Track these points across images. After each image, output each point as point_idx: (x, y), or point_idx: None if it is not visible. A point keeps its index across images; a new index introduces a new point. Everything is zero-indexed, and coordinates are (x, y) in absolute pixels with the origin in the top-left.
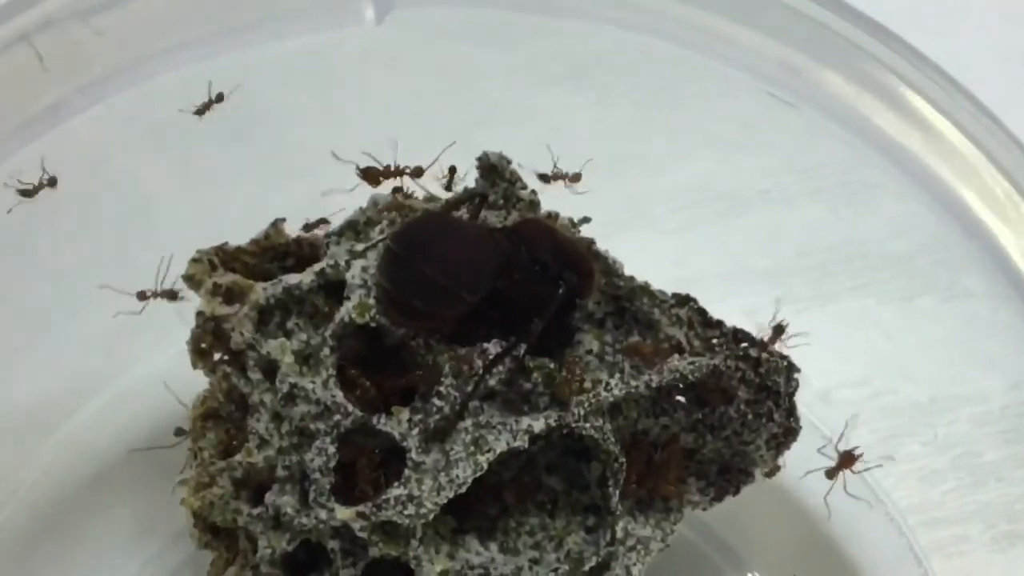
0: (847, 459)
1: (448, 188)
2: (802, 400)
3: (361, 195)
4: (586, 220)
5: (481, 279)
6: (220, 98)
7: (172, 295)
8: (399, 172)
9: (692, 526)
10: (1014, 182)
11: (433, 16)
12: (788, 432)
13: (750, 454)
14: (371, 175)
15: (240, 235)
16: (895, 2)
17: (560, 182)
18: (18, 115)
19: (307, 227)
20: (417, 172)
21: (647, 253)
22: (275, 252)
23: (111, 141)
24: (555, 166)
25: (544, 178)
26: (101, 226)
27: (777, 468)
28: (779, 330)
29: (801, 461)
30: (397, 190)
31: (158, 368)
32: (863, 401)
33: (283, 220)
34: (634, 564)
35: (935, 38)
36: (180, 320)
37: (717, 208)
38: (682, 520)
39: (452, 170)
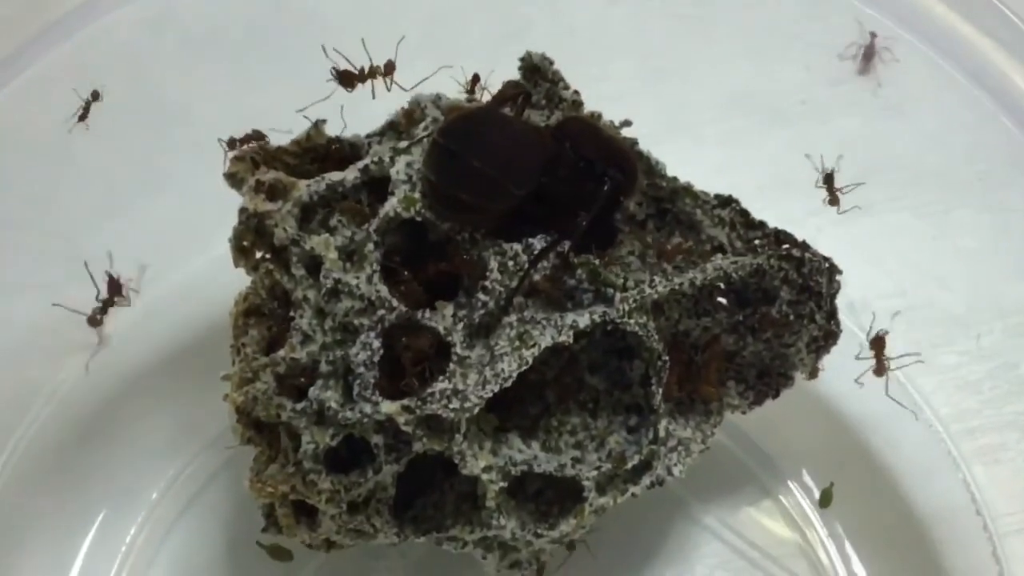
0: (878, 344)
1: (471, 94)
2: (840, 308)
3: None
4: (627, 123)
5: (528, 173)
6: (96, 96)
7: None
8: (373, 73)
9: (731, 434)
10: None
11: None
12: (828, 335)
13: (790, 357)
14: (346, 77)
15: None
16: None
17: None
18: (48, 14)
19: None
20: (389, 68)
21: (686, 164)
22: (316, 153)
23: (143, 42)
24: None
25: None
26: (137, 131)
27: (817, 371)
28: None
29: (839, 369)
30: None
31: (195, 272)
32: (901, 311)
33: (324, 121)
34: (675, 464)
35: None
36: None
37: (755, 120)
38: (721, 424)
39: (475, 78)
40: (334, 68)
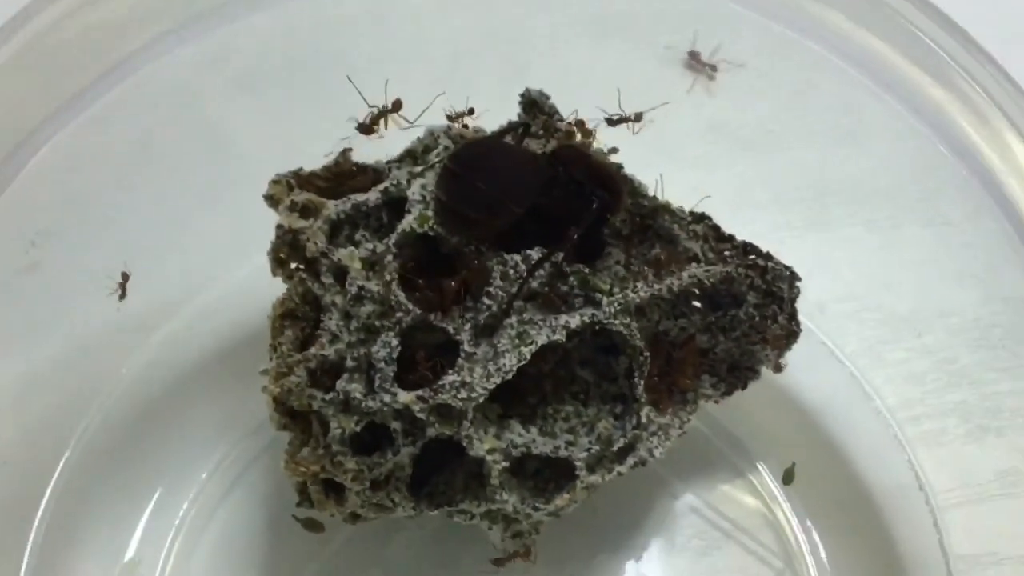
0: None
1: (452, 121)
2: (800, 311)
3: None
4: (615, 150)
5: (526, 193)
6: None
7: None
8: (385, 113)
9: (705, 421)
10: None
11: None
12: (790, 334)
13: (756, 353)
14: (366, 128)
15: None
16: None
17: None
18: (106, 59)
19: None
20: (396, 105)
21: (666, 185)
22: (344, 176)
23: (195, 83)
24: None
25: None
26: (190, 158)
27: (781, 367)
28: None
29: (800, 364)
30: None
31: (239, 282)
32: (854, 313)
33: (351, 150)
34: (656, 447)
35: None
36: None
37: (727, 147)
38: (696, 412)
39: (465, 112)
40: (356, 123)
